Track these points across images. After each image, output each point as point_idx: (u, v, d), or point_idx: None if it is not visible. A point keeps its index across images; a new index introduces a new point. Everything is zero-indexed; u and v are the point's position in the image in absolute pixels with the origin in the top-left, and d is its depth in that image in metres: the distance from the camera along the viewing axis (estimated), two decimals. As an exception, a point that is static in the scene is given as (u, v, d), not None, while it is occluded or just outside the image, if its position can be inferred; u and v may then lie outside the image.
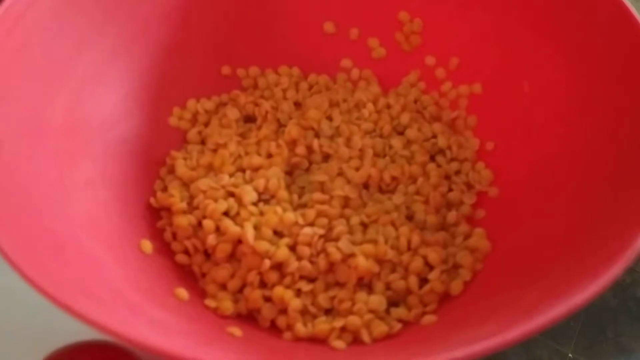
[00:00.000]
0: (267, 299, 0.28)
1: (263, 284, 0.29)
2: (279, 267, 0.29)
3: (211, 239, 0.29)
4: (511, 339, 0.18)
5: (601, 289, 0.19)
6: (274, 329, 0.28)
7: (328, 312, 0.28)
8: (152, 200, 0.32)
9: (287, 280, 0.28)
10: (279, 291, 0.28)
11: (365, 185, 0.33)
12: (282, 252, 0.28)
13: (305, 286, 0.28)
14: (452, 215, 0.32)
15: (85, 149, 0.29)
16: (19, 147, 0.26)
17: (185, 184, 0.33)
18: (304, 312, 0.28)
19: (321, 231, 0.29)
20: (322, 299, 0.28)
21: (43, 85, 0.28)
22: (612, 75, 0.28)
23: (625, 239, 0.21)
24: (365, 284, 0.29)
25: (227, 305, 0.28)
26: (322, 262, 0.29)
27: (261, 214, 0.30)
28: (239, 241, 0.29)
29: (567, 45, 0.31)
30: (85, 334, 0.27)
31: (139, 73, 0.33)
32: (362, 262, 0.28)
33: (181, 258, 0.30)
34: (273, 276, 0.29)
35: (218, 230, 0.30)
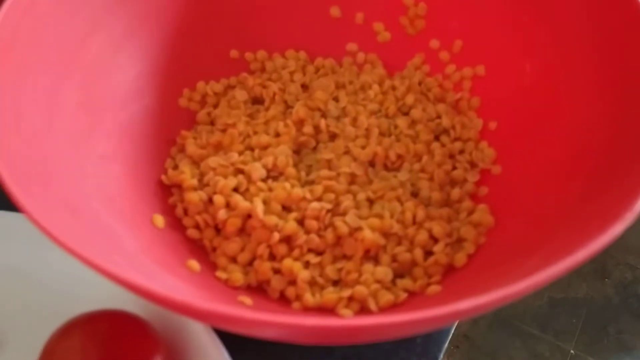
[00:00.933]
0: (277, 271, 0.29)
1: (272, 257, 0.30)
2: (287, 240, 0.30)
3: (222, 214, 0.30)
4: (512, 293, 0.19)
5: (600, 248, 0.20)
6: (283, 299, 0.29)
7: (335, 283, 0.29)
8: (163, 177, 0.32)
9: (296, 252, 0.29)
10: (288, 263, 0.29)
11: (371, 163, 0.33)
12: (290, 225, 0.29)
13: (313, 258, 0.29)
14: (456, 192, 0.33)
15: (99, 126, 0.30)
16: (38, 122, 0.26)
17: (196, 162, 0.33)
18: (312, 283, 0.29)
19: (329, 206, 0.30)
20: (330, 271, 0.29)
21: (58, 64, 0.29)
22: (610, 52, 0.29)
23: (623, 207, 0.22)
24: (371, 256, 0.30)
25: (238, 276, 0.29)
26: (329, 235, 0.30)
27: (270, 189, 0.31)
28: (248, 216, 0.30)
29: (567, 27, 0.32)
30: (102, 303, 0.28)
31: (150, 55, 0.34)
32: (369, 235, 0.29)
33: (192, 232, 0.31)
34: (282, 249, 0.29)
35: (228, 205, 0.31)
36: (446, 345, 0.33)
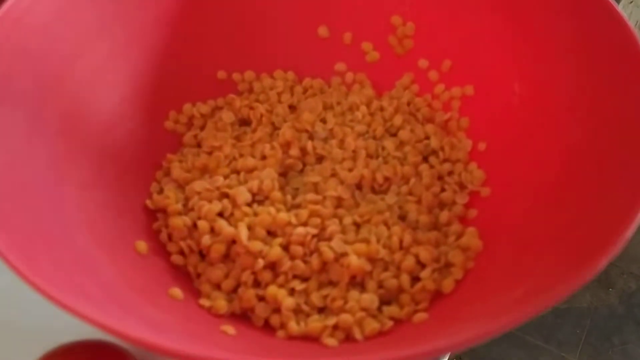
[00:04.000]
0: (261, 298, 0.29)
1: (257, 284, 0.29)
2: (272, 266, 0.29)
3: (206, 240, 0.30)
4: (493, 329, 0.18)
5: (583, 282, 0.19)
6: (267, 327, 0.28)
7: (321, 310, 0.29)
8: (148, 202, 0.32)
9: (281, 279, 0.29)
10: (272, 290, 0.28)
11: (358, 186, 0.33)
12: (275, 251, 0.29)
13: (298, 285, 0.29)
14: (444, 215, 0.32)
15: (82, 151, 0.30)
16: (17, 148, 0.26)
17: (181, 186, 0.33)
18: (297, 310, 0.28)
19: (314, 231, 0.30)
20: (315, 298, 0.28)
21: (40, 88, 0.29)
22: (599, 74, 0.29)
23: (609, 236, 0.22)
24: (357, 282, 0.29)
25: (221, 304, 0.28)
26: (315, 261, 0.29)
27: (255, 214, 0.31)
28: (233, 241, 0.30)
29: (555, 46, 0.31)
30: (82, 333, 0.27)
31: (135, 77, 0.34)
32: (355, 261, 0.28)
33: (176, 259, 0.30)
34: (266, 275, 0.29)
35: (212, 230, 0.30)
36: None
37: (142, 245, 0.30)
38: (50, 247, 0.24)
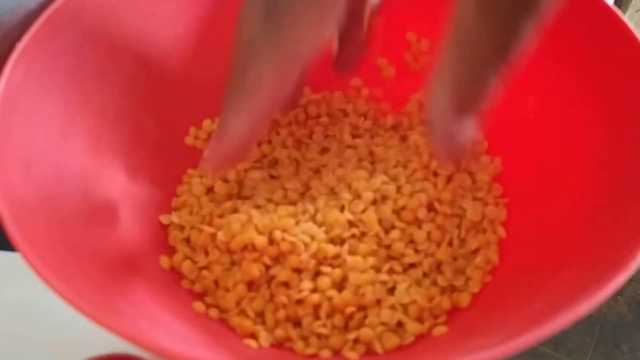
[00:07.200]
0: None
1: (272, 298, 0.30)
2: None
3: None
4: (516, 346, 0.19)
5: (604, 298, 0.20)
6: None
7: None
8: (169, 221, 0.33)
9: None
10: (291, 307, 0.29)
11: None
12: (284, 273, 0.29)
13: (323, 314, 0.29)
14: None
15: (108, 169, 0.31)
16: (46, 167, 0.27)
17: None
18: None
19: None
20: (338, 320, 0.29)
21: (66, 110, 0.29)
22: (614, 90, 0.29)
23: (627, 250, 0.22)
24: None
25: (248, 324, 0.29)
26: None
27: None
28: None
29: (570, 61, 0.32)
30: (110, 345, 0.28)
31: (156, 95, 0.35)
32: (369, 293, 0.29)
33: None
34: (281, 291, 0.29)
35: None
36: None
37: (165, 261, 0.30)
38: (79, 262, 0.25)
